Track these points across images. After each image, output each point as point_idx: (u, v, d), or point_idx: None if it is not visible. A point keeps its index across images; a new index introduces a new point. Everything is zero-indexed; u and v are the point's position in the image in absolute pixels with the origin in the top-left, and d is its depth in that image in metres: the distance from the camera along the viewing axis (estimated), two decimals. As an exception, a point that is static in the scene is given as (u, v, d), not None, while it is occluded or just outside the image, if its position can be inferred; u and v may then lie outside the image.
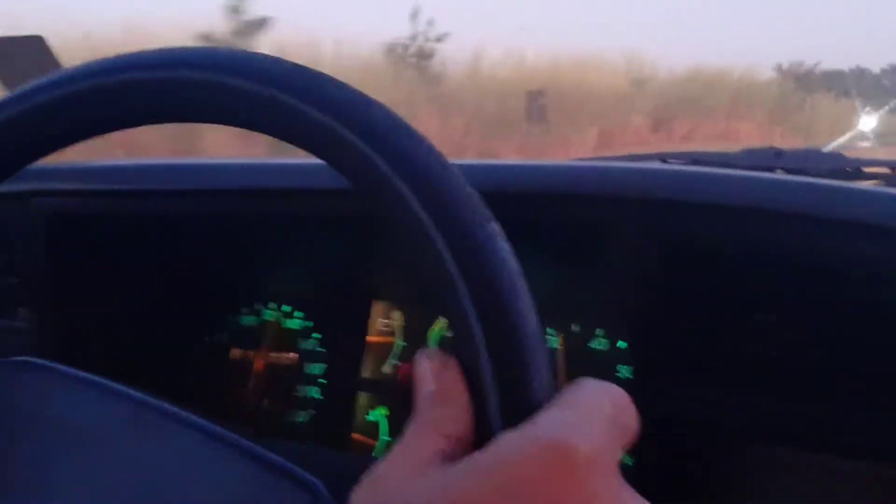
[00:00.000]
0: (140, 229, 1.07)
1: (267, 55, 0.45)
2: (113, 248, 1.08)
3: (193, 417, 0.61)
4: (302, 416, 1.09)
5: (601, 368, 0.94)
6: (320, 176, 0.93)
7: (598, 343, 0.96)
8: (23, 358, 0.63)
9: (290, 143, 0.43)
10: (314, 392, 1.09)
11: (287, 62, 0.44)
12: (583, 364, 0.95)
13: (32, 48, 1.14)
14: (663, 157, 1.19)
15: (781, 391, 0.77)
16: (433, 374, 0.39)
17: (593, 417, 0.37)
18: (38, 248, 1.04)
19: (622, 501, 0.36)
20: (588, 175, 0.89)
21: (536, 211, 0.89)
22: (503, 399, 0.38)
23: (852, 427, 0.78)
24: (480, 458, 0.36)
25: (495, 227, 0.39)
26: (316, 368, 1.10)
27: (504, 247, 0.39)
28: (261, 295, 1.14)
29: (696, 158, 1.15)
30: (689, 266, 0.82)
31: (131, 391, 0.62)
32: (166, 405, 0.61)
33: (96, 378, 0.63)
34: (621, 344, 0.94)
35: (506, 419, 0.37)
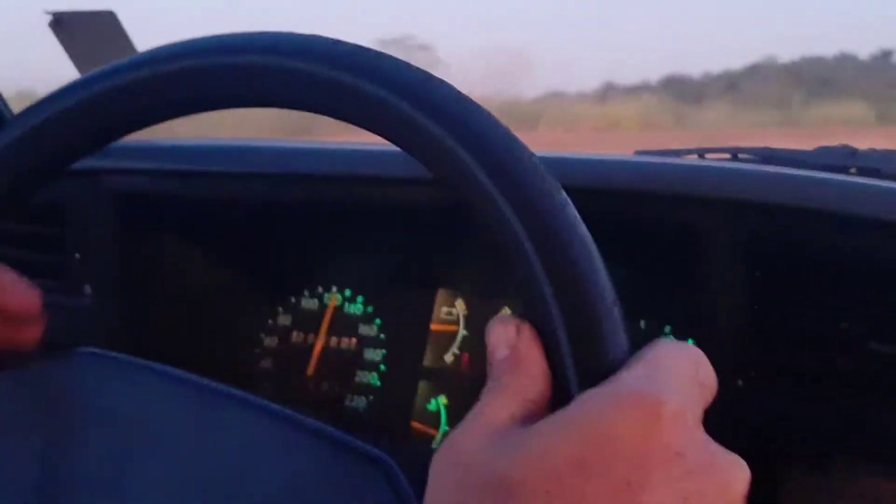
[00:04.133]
0: (206, 210, 1.07)
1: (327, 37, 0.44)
2: (179, 229, 1.09)
3: (258, 399, 0.61)
4: (360, 403, 1.09)
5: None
6: (389, 163, 0.93)
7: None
8: (87, 349, 0.63)
9: (346, 119, 0.43)
10: (373, 378, 1.09)
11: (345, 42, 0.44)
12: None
13: (103, 24, 1.14)
14: (734, 153, 1.17)
15: (866, 402, 0.76)
16: (506, 340, 0.39)
17: (674, 373, 0.36)
18: (105, 225, 1.04)
19: (711, 454, 0.36)
20: (658, 172, 0.87)
21: (604, 206, 0.87)
22: (579, 360, 0.37)
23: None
24: (563, 415, 0.36)
25: (564, 196, 0.39)
26: (376, 355, 1.10)
27: (573, 213, 0.39)
28: (323, 279, 1.14)
29: (768, 155, 1.13)
30: (771, 268, 0.81)
31: (193, 377, 0.62)
32: (230, 389, 0.61)
33: (158, 366, 0.63)
34: (688, 342, 0.93)
35: (583, 381, 0.37)
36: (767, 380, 0.80)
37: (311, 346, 1.13)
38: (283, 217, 1.08)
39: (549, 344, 0.38)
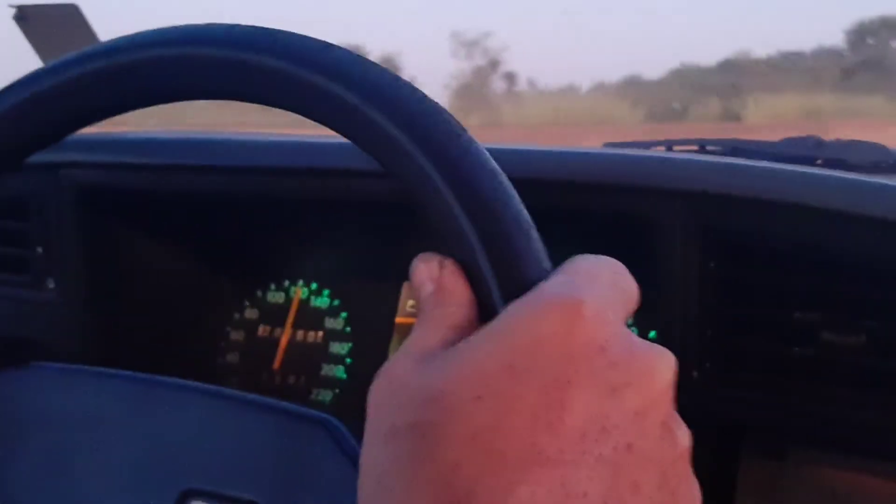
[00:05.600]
0: (171, 204, 1.07)
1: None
2: (143, 222, 1.09)
3: (198, 384, 0.62)
4: (326, 396, 1.09)
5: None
6: (351, 156, 0.92)
7: (629, 332, 0.94)
8: (33, 363, 0.64)
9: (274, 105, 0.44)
10: (339, 371, 1.09)
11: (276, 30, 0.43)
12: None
13: (67, 16, 1.14)
14: (702, 144, 1.17)
15: (820, 392, 0.76)
16: (430, 276, 0.40)
17: (592, 278, 0.37)
18: (67, 219, 1.04)
19: (634, 347, 0.36)
20: (625, 164, 0.87)
21: (569, 199, 0.87)
22: (501, 280, 0.38)
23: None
24: (489, 327, 0.36)
25: (470, 136, 0.40)
26: (342, 348, 1.10)
27: (481, 150, 0.40)
28: (289, 272, 1.14)
29: (735, 146, 1.13)
30: (726, 259, 0.81)
31: (139, 375, 0.64)
32: (175, 379, 0.63)
33: (99, 369, 0.65)
34: (652, 334, 0.93)
35: (506, 297, 0.38)
36: (724, 371, 0.80)
37: (278, 340, 1.13)
38: (248, 210, 1.08)
39: (471, 271, 0.39)
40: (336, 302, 1.11)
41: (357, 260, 1.10)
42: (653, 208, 0.83)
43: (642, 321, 0.94)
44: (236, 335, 1.15)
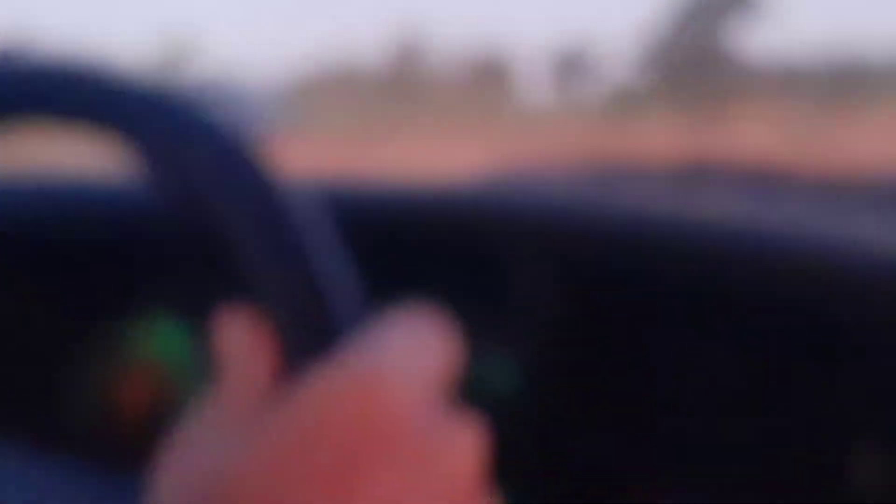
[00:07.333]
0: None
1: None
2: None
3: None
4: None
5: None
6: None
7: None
8: None
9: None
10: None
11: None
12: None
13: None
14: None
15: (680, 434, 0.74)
16: (235, 331, 0.37)
17: (403, 343, 0.36)
18: None
19: (439, 425, 0.35)
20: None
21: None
22: (306, 344, 0.36)
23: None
24: (286, 398, 0.35)
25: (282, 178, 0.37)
26: (200, 385, 1.04)
27: (293, 193, 0.36)
28: (141, 305, 1.07)
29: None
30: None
31: None
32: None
33: None
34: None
35: (311, 362, 0.36)
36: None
37: (125, 381, 1.06)
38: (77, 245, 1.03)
39: (276, 328, 0.36)
40: (191, 335, 1.05)
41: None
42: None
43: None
44: (80, 378, 1.07)
